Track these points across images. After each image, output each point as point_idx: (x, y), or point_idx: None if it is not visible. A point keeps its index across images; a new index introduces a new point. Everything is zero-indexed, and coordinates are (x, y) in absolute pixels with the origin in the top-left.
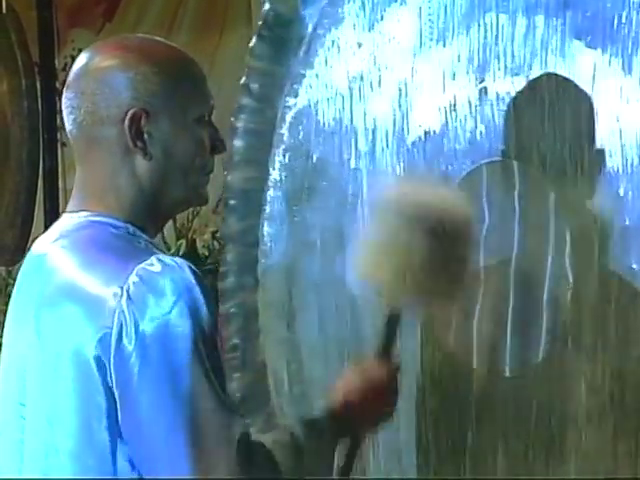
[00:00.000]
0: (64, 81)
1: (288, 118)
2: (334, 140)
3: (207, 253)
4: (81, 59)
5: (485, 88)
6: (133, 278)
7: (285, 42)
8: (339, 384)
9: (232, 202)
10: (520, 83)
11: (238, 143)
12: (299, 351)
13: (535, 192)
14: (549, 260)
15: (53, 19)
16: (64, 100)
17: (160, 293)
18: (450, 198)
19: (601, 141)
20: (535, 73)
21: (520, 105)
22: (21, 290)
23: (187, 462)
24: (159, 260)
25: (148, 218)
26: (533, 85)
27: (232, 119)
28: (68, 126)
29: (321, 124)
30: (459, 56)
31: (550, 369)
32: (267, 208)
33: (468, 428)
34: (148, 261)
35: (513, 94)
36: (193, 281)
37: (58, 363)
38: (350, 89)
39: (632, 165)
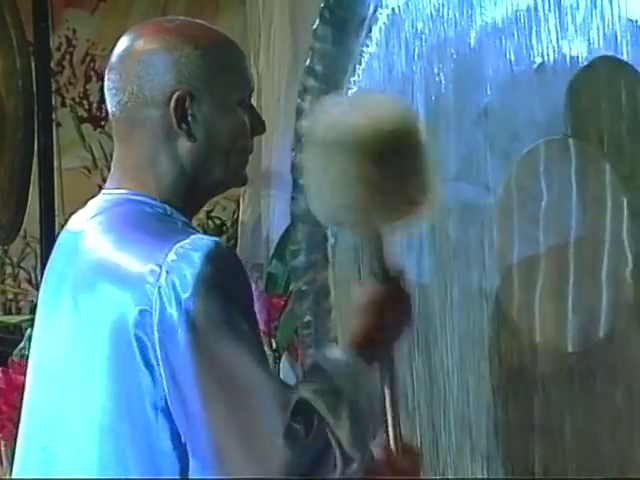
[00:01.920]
0: (59, 61)
1: None
2: None
3: (202, 232)
4: (123, 41)
5: (542, 64)
6: (172, 256)
7: (347, 23)
8: (353, 312)
9: (301, 181)
10: (577, 61)
11: (305, 124)
12: None
13: (592, 169)
14: (607, 237)
15: None
16: (107, 82)
17: (199, 270)
18: (380, 111)
19: None
20: (591, 51)
21: (577, 84)
22: (56, 267)
23: (238, 432)
24: (197, 239)
25: (186, 199)
26: (589, 66)
27: (298, 100)
28: (111, 108)
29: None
30: (514, 32)
31: (612, 345)
32: None
33: (534, 403)
34: (187, 240)
35: (570, 72)
36: (230, 258)
37: (96, 341)
38: (410, 70)
39: None
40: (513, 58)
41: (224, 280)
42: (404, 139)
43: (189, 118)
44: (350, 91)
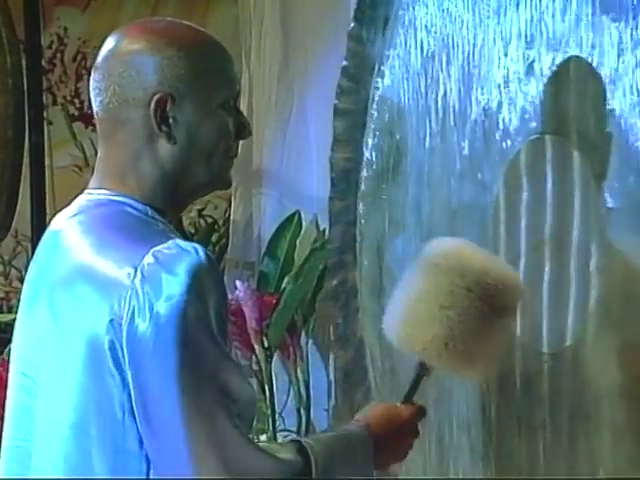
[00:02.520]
0: (50, 59)
1: (376, 98)
2: (412, 120)
3: (193, 231)
4: (109, 42)
5: (532, 64)
6: (148, 259)
7: (374, 23)
8: (365, 413)
9: (335, 181)
10: (558, 60)
11: (338, 124)
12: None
13: (569, 167)
14: (583, 234)
15: None
16: (92, 82)
17: (175, 275)
18: (503, 267)
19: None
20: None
21: (552, 84)
22: (38, 265)
23: (189, 446)
24: (176, 244)
25: (168, 202)
26: (562, 66)
27: (335, 101)
28: (95, 107)
29: (402, 104)
30: (510, 32)
31: (585, 346)
32: (362, 187)
33: (523, 403)
34: (165, 244)
35: (551, 72)
36: (209, 266)
37: (70, 342)
38: (424, 69)
39: None
40: (508, 59)
41: (198, 287)
42: (516, 301)
43: (170, 120)
44: (376, 92)
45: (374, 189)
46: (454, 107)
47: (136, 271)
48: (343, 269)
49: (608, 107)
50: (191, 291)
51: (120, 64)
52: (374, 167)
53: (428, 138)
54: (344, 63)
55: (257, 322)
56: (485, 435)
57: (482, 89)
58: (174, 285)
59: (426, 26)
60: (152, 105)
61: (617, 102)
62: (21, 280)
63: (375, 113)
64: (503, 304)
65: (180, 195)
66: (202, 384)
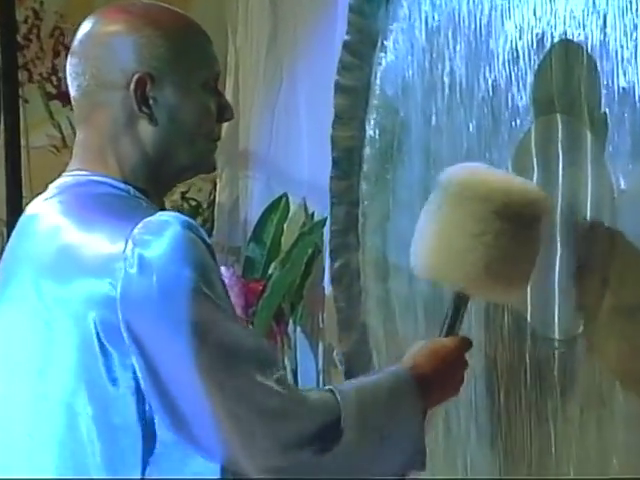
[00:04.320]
0: (25, 34)
1: (379, 74)
2: (417, 97)
3: None
4: (85, 25)
5: (542, 39)
6: (138, 229)
7: None
8: (408, 355)
9: (337, 160)
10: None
11: (340, 101)
12: (393, 310)
13: (581, 148)
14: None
15: None
16: (68, 67)
17: (165, 239)
18: (523, 182)
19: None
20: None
21: (563, 61)
22: (13, 251)
23: (216, 397)
24: (164, 215)
25: (151, 184)
26: (572, 43)
27: (337, 77)
28: (72, 92)
29: (406, 80)
30: (519, 6)
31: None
32: (364, 166)
33: (533, 391)
34: (154, 216)
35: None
36: (198, 235)
37: (60, 324)
38: (429, 44)
39: None
40: (517, 34)
41: (188, 252)
42: (542, 217)
43: (150, 101)
44: (379, 68)
45: (378, 168)
46: (461, 84)
47: (127, 242)
48: (346, 251)
49: (622, 86)
50: (182, 255)
51: (97, 46)
52: (377, 146)
53: (434, 116)
54: (346, 37)
55: (243, 309)
56: (494, 423)
57: (490, 65)
58: (164, 247)
59: None
60: (132, 86)
61: (633, 81)
62: None
63: (378, 90)
64: (531, 217)
65: (163, 178)
66: (212, 338)
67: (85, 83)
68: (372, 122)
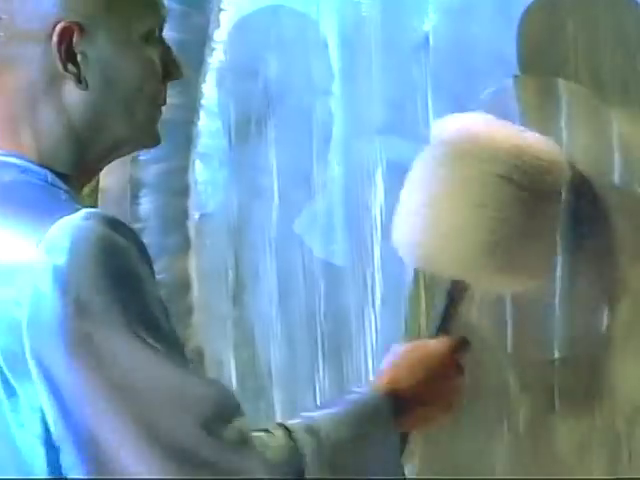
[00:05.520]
0: None
1: (224, 24)
2: (295, 53)
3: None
4: None
5: None
6: (51, 233)
7: None
8: (387, 364)
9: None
10: None
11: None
12: (251, 333)
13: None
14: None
15: None
16: None
17: (87, 246)
18: (537, 139)
19: None
20: None
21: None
22: None
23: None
24: (88, 214)
25: (75, 165)
26: None
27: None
28: None
29: (275, 31)
30: None
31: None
32: (200, 145)
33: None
34: (74, 215)
35: None
36: (130, 239)
37: None
38: None
39: None
40: None
41: (121, 261)
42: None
43: (78, 57)
44: (223, 15)
45: (225, 147)
46: (373, 34)
47: (37, 250)
48: (165, 255)
49: None
50: (101, 264)
51: None
52: (224, 118)
53: (323, 79)
54: None
55: None
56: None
57: (426, 13)
58: (84, 254)
59: None
60: (54, 38)
61: None
62: None
63: (222, 45)
64: (548, 185)
65: (91, 157)
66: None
67: None
68: (213, 87)
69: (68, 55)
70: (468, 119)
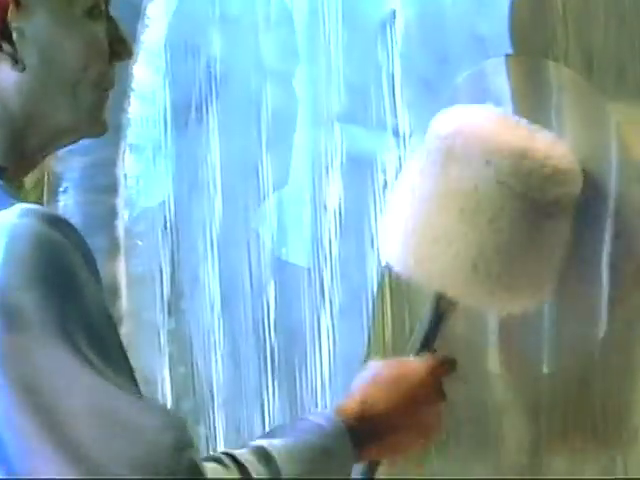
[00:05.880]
0: None
1: None
2: (242, 29)
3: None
4: None
5: None
6: None
7: None
8: (360, 381)
9: None
10: None
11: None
12: (189, 346)
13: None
14: None
15: None
16: None
17: (20, 245)
18: (547, 141)
19: None
20: None
21: None
22: None
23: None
24: (24, 210)
25: (11, 156)
26: None
27: None
28: None
29: (220, 4)
30: None
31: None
32: (131, 134)
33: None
34: (8, 211)
35: None
36: (72, 237)
37: None
38: None
39: None
40: None
41: (51, 267)
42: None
43: (14, 35)
44: None
45: (160, 134)
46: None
47: None
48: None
49: None
50: (37, 270)
51: None
52: (159, 100)
53: (277, 57)
54: None
55: None
56: None
57: None
58: (16, 255)
59: None
60: None
61: None
62: None
63: (156, 21)
64: (553, 197)
65: (29, 146)
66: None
67: None
68: (143, 64)
69: (3, 33)
70: (473, 113)
